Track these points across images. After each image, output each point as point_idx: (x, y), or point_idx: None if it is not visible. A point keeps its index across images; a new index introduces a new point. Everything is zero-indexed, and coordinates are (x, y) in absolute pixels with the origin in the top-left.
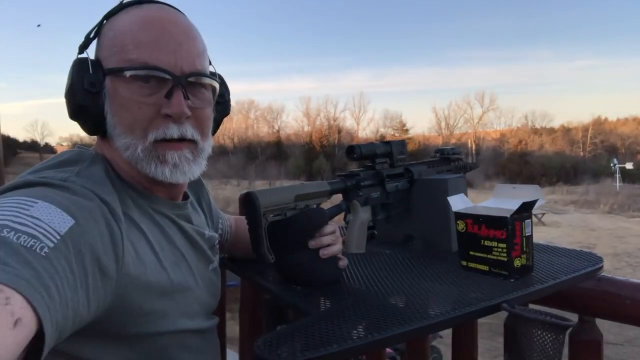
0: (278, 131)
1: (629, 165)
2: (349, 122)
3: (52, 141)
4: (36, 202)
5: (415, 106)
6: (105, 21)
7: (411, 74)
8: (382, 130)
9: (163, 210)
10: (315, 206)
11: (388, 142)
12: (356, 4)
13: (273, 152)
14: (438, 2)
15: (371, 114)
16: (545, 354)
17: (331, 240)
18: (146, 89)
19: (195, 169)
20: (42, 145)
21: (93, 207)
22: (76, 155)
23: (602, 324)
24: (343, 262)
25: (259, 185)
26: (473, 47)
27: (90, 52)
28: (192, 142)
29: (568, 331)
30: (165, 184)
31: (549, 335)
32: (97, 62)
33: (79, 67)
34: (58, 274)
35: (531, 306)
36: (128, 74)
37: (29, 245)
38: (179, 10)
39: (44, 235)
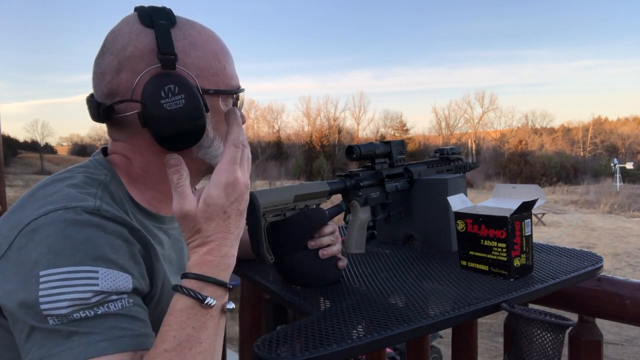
0: (278, 131)
1: (629, 165)
2: (349, 122)
3: (52, 141)
4: (96, 272)
5: (415, 106)
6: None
7: (411, 74)
8: (382, 130)
9: (164, 227)
10: (314, 206)
11: (387, 142)
12: (356, 3)
13: (273, 152)
14: (438, 2)
15: (371, 114)
16: (545, 354)
17: (331, 240)
18: (231, 103)
19: None
20: (42, 145)
21: (133, 249)
22: (94, 169)
23: (602, 324)
24: (343, 263)
25: (259, 185)
26: (473, 47)
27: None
28: None
29: (567, 331)
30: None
31: (549, 335)
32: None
33: (192, 87)
34: (146, 313)
35: (531, 306)
36: (241, 95)
37: (119, 307)
38: None
39: (118, 296)
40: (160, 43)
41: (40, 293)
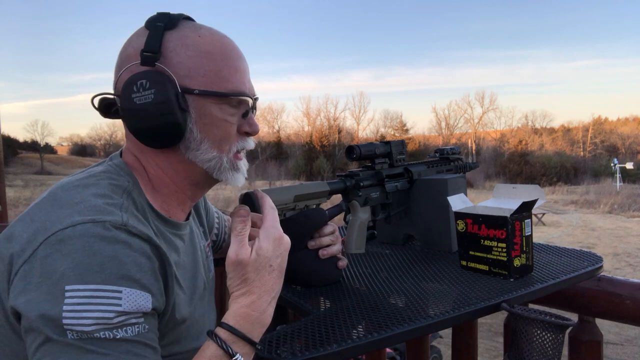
0: (278, 131)
1: (629, 165)
2: (349, 122)
3: (53, 141)
4: (120, 292)
5: (415, 106)
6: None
7: (411, 74)
8: (382, 130)
9: (179, 233)
10: (314, 206)
11: (387, 142)
12: (357, 3)
13: (273, 152)
14: (438, 2)
15: (371, 114)
16: (545, 354)
17: (331, 240)
18: (233, 109)
19: None
20: (42, 145)
21: (154, 266)
22: (117, 174)
23: (602, 324)
24: (343, 263)
25: (259, 185)
26: (473, 47)
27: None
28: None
29: (567, 331)
30: (197, 199)
31: (549, 335)
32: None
33: (165, 84)
34: (157, 336)
35: (531, 306)
36: (233, 99)
37: (136, 332)
38: None
39: (136, 319)
40: (147, 42)
41: (65, 307)
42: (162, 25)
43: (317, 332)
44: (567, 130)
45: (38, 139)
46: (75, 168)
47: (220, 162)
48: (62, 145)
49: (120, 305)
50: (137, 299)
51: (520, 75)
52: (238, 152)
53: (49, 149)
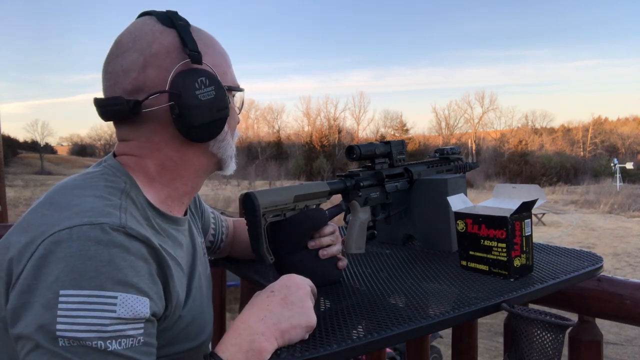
0: (278, 131)
1: (629, 165)
2: (349, 122)
3: (53, 141)
4: (115, 298)
5: (415, 106)
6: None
7: (411, 74)
8: (382, 130)
9: (181, 228)
10: (314, 206)
11: (387, 142)
12: (357, 4)
13: (273, 152)
14: (439, 2)
15: (371, 114)
16: (545, 354)
17: (331, 240)
18: (235, 102)
19: None
20: (42, 146)
21: (152, 269)
22: (113, 176)
23: (602, 324)
24: (343, 263)
25: (259, 185)
26: (473, 47)
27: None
28: None
29: (568, 331)
30: (195, 193)
31: (549, 335)
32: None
33: (218, 81)
34: (154, 346)
35: (531, 306)
36: (240, 95)
37: (129, 346)
38: None
39: (135, 329)
40: (186, 40)
41: (59, 313)
42: (185, 24)
43: (317, 332)
44: (567, 130)
45: (38, 139)
46: (75, 168)
47: (234, 152)
48: (62, 145)
49: (115, 311)
50: (134, 304)
51: (520, 75)
52: None
53: (49, 149)
